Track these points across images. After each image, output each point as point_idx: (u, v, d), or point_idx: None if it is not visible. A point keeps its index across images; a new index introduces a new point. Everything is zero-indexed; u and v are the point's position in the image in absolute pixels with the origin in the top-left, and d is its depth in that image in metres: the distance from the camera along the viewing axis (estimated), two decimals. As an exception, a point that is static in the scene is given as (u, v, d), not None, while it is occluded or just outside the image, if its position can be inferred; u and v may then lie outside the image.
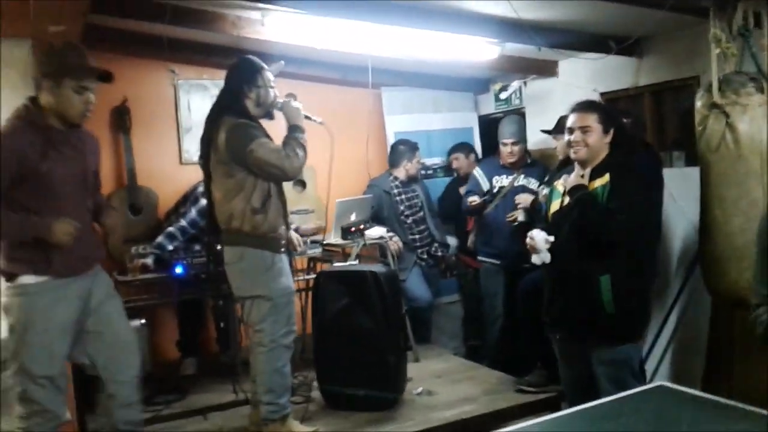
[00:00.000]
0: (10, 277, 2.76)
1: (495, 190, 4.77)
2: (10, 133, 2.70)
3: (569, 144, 3.10)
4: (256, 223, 3.28)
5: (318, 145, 3.56)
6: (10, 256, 2.76)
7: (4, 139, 2.68)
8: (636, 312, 3.01)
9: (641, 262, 3.01)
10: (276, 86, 3.44)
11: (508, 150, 4.72)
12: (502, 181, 4.76)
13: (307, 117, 3.44)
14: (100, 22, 4.12)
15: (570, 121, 3.08)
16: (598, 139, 3.00)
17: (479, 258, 4.93)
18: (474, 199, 4.71)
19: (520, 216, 4.48)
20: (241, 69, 3.41)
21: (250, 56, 3.47)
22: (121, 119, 4.85)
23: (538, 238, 3.01)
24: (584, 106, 3.09)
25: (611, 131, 3.02)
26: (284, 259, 3.44)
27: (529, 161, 4.83)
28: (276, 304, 3.32)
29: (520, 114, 5.40)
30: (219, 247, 3.62)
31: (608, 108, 3.22)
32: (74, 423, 3.48)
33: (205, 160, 3.40)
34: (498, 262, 4.76)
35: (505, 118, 4.92)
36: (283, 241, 3.43)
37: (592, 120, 3.01)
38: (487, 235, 4.84)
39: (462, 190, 5.09)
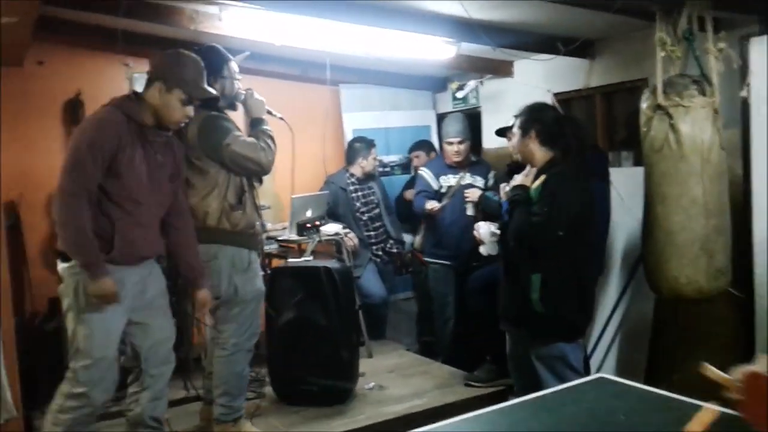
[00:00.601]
0: (66, 257, 2.73)
1: (443, 190, 4.77)
2: (106, 119, 2.74)
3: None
4: (234, 219, 3.21)
5: (276, 140, 3.54)
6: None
7: (100, 122, 2.73)
8: (566, 312, 3.04)
9: (575, 261, 3.03)
10: (240, 78, 3.38)
11: (453, 149, 4.72)
12: (449, 180, 4.78)
13: (268, 112, 3.39)
14: (54, 13, 4.06)
15: None
16: (518, 142, 3.16)
17: (427, 259, 4.91)
18: (434, 206, 4.65)
19: (469, 210, 4.54)
20: (207, 58, 3.23)
21: (216, 45, 3.37)
22: (74, 112, 4.77)
23: (483, 230, 3.10)
24: (517, 113, 3.22)
25: (530, 133, 3.12)
26: (256, 259, 3.38)
27: (474, 159, 4.86)
28: (245, 307, 3.27)
29: (475, 113, 5.48)
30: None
31: (533, 110, 3.22)
32: (20, 421, 3.43)
33: None
34: (448, 263, 4.77)
35: (448, 117, 4.93)
36: (259, 238, 3.37)
37: (514, 126, 3.19)
38: (436, 235, 4.83)
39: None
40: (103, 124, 2.71)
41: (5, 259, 3.46)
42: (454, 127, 4.76)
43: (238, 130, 3.26)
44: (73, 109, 4.78)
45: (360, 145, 5.11)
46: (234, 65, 3.34)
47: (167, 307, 3.08)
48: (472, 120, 5.54)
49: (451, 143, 4.74)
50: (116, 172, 2.69)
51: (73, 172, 2.63)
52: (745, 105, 3.39)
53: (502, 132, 4.12)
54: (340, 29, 4.02)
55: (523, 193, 3.09)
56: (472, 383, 4.05)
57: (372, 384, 4.08)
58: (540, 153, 3.12)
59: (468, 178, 4.73)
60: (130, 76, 5.05)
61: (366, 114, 5.77)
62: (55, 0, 3.58)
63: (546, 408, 2.07)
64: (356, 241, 4.81)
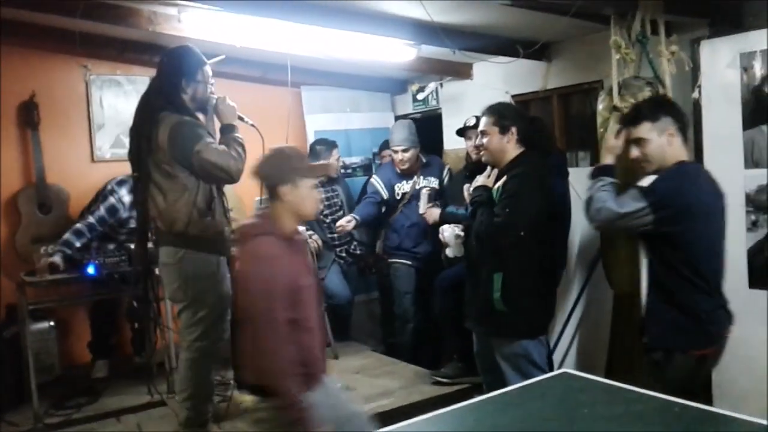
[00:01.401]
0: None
1: (398, 197, 4.78)
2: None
3: (476, 148, 3.26)
4: (203, 226, 3.14)
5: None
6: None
7: None
8: (528, 310, 3.11)
9: (536, 260, 3.11)
10: (213, 82, 3.30)
11: (399, 157, 4.73)
12: (404, 187, 4.79)
13: (240, 118, 3.28)
14: (8, 15, 3.97)
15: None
16: (497, 141, 3.18)
17: (390, 260, 4.93)
18: (343, 226, 4.62)
19: (421, 209, 4.51)
20: (182, 61, 3.19)
21: (191, 47, 3.27)
22: (29, 114, 4.69)
23: (448, 233, 3.14)
24: (484, 111, 3.27)
25: (510, 132, 3.17)
26: (225, 262, 3.29)
27: (425, 161, 4.86)
28: (212, 312, 3.20)
29: (435, 115, 5.53)
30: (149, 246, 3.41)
31: (509, 109, 3.31)
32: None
33: (135, 155, 3.20)
34: (410, 262, 4.80)
35: (394, 124, 4.90)
36: (227, 243, 3.26)
37: (489, 124, 3.20)
38: (396, 240, 4.85)
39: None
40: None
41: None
42: (398, 135, 4.74)
43: (210, 136, 3.17)
44: (28, 110, 4.70)
45: (321, 147, 5.11)
46: (208, 69, 3.26)
47: None
48: (432, 122, 5.62)
49: (396, 151, 4.74)
50: None
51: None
52: (696, 106, 3.48)
53: (462, 132, 4.19)
54: (301, 31, 4.03)
55: (485, 193, 3.15)
56: (439, 379, 4.09)
57: (339, 385, 4.07)
58: (513, 152, 3.18)
59: (421, 182, 4.75)
60: (88, 78, 4.99)
61: (327, 116, 5.78)
62: (11, 1, 3.49)
63: (512, 404, 2.11)
64: (320, 242, 4.81)
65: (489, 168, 3.25)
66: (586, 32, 3.99)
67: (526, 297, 3.08)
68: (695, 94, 3.44)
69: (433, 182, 4.73)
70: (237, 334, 2.49)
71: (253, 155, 3.28)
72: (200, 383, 3.28)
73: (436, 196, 4.57)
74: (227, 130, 3.19)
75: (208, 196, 3.17)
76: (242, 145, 3.16)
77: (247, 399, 2.40)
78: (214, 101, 3.25)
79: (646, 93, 3.14)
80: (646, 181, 2.64)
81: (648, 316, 2.67)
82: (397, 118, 6.06)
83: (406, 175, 4.79)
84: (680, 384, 2.43)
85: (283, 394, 2.29)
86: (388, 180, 4.85)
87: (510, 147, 3.19)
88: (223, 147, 3.10)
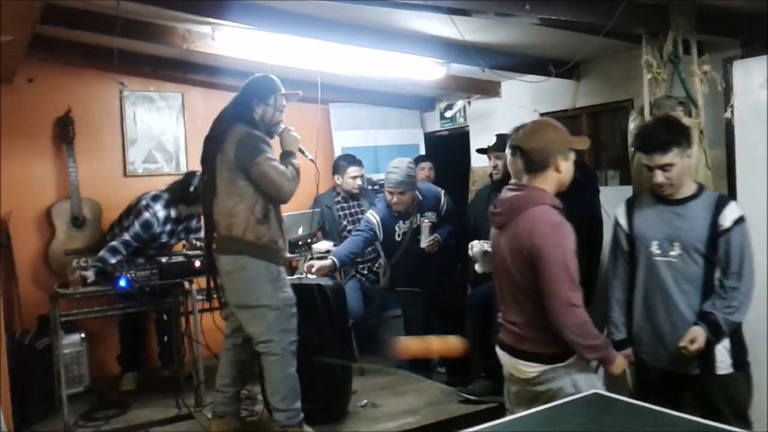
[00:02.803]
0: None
1: (399, 239, 4.58)
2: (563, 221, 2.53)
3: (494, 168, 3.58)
4: (258, 233, 3.31)
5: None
6: None
7: (564, 225, 2.47)
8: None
9: None
10: (284, 112, 3.51)
11: (394, 200, 4.44)
12: (403, 228, 4.57)
13: (300, 150, 3.50)
14: (46, 32, 4.07)
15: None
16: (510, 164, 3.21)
17: (397, 288, 4.80)
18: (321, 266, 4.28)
19: (422, 243, 4.42)
20: (258, 84, 3.46)
21: (271, 76, 3.51)
22: (64, 129, 4.79)
23: (476, 248, 3.14)
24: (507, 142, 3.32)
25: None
26: (284, 271, 3.48)
27: (420, 198, 4.55)
28: (283, 313, 3.36)
29: (463, 132, 5.53)
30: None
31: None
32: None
33: (206, 161, 3.43)
34: (417, 289, 4.66)
35: (391, 164, 4.49)
36: (281, 254, 3.46)
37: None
38: (402, 273, 4.71)
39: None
40: (567, 227, 2.49)
41: (-2, 277, 3.46)
42: (395, 176, 4.39)
43: (273, 154, 3.36)
44: (63, 126, 4.80)
45: (341, 163, 5.14)
46: (282, 99, 3.47)
47: None
48: (460, 139, 5.63)
49: (391, 192, 4.44)
50: None
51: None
52: (729, 126, 3.46)
53: (484, 151, 4.19)
54: (332, 49, 4.08)
55: None
56: (466, 396, 4.06)
57: (365, 401, 4.08)
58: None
59: (418, 220, 4.54)
60: (122, 95, 5.09)
61: (355, 132, 5.83)
62: (52, 19, 3.59)
63: (541, 424, 2.09)
64: (346, 258, 4.80)
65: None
66: (615, 51, 3.99)
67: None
68: (728, 114, 3.42)
69: (431, 216, 4.55)
70: None
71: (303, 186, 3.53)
72: (290, 381, 3.40)
73: (435, 229, 4.47)
74: (287, 155, 3.43)
75: (266, 207, 3.34)
76: (298, 172, 3.39)
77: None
78: (281, 129, 3.47)
79: (678, 113, 3.12)
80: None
81: None
82: (425, 135, 6.10)
83: (404, 215, 4.56)
84: None
85: (593, 339, 2.44)
86: (387, 220, 4.56)
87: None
88: (282, 167, 3.31)
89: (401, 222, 4.56)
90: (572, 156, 2.53)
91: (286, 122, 3.52)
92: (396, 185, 4.39)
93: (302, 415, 3.45)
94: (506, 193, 2.58)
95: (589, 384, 2.49)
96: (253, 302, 3.34)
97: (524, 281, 2.48)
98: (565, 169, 2.51)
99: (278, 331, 3.36)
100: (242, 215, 3.31)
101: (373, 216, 4.56)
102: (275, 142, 3.50)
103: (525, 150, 2.50)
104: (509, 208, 2.52)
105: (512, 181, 2.69)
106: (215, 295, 3.52)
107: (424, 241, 4.42)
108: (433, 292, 4.62)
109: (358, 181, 5.13)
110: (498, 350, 2.70)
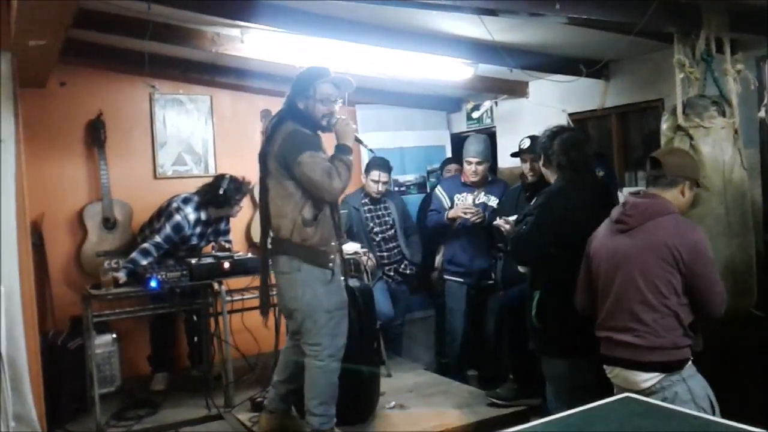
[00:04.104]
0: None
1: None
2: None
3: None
4: (305, 235, 3.24)
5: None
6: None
7: None
8: (561, 329, 3.06)
9: (567, 279, 3.00)
10: (335, 101, 3.37)
11: (472, 169, 4.74)
12: (464, 199, 4.81)
13: (357, 140, 3.41)
14: (78, 36, 4.13)
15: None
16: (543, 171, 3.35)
17: (445, 276, 4.95)
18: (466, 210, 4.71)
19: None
20: (298, 77, 3.36)
21: (315, 66, 3.39)
22: (96, 132, 4.85)
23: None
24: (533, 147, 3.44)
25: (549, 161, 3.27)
26: (339, 273, 3.43)
27: (490, 179, 4.87)
28: (333, 317, 3.32)
29: (490, 133, 5.52)
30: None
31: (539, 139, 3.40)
32: (44, 436, 3.46)
33: (262, 161, 3.36)
34: (461, 280, 4.81)
35: (471, 137, 4.93)
36: (332, 256, 3.35)
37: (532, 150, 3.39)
38: (450, 252, 4.87)
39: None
40: None
41: (31, 278, 3.50)
42: (475, 148, 4.77)
43: (322, 150, 3.29)
44: (95, 129, 4.86)
45: (368, 165, 5.17)
46: (325, 87, 3.33)
47: None
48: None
49: (470, 162, 4.76)
50: None
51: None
52: (763, 125, 3.41)
53: (518, 154, 4.20)
54: (360, 51, 4.09)
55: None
56: (495, 401, 4.04)
57: (393, 403, 4.07)
58: (551, 175, 3.26)
59: (482, 197, 4.76)
60: (153, 98, 5.14)
61: (381, 134, 5.82)
62: (84, 24, 3.63)
63: (572, 428, 2.07)
64: (375, 260, 4.83)
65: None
66: (646, 50, 3.94)
67: (558, 316, 3.06)
68: (761, 113, 3.36)
69: (493, 200, 4.72)
70: None
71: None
72: (330, 389, 3.37)
73: (491, 217, 4.52)
74: (338, 150, 3.30)
75: (316, 208, 3.26)
76: (348, 168, 3.26)
77: None
78: (335, 121, 3.36)
79: (712, 112, 3.08)
80: None
81: None
82: (452, 136, 6.08)
83: (470, 187, 4.81)
84: None
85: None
86: (450, 191, 4.88)
87: (548, 173, 3.30)
88: (327, 164, 3.20)
89: (465, 194, 4.80)
90: (694, 192, 2.74)
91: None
92: (476, 154, 4.71)
93: (335, 419, 3.43)
94: (633, 199, 2.71)
95: (702, 387, 2.57)
96: (305, 305, 3.29)
97: (660, 284, 2.55)
98: (687, 197, 2.70)
99: (327, 335, 3.31)
100: (290, 216, 3.23)
101: (439, 192, 4.93)
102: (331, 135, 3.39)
103: (662, 163, 2.67)
104: (641, 213, 2.64)
105: (639, 189, 2.94)
106: (266, 295, 3.49)
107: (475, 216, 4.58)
108: (479, 282, 4.69)
109: (380, 186, 5.10)
110: (606, 366, 2.73)
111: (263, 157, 3.34)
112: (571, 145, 3.22)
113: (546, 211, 3.09)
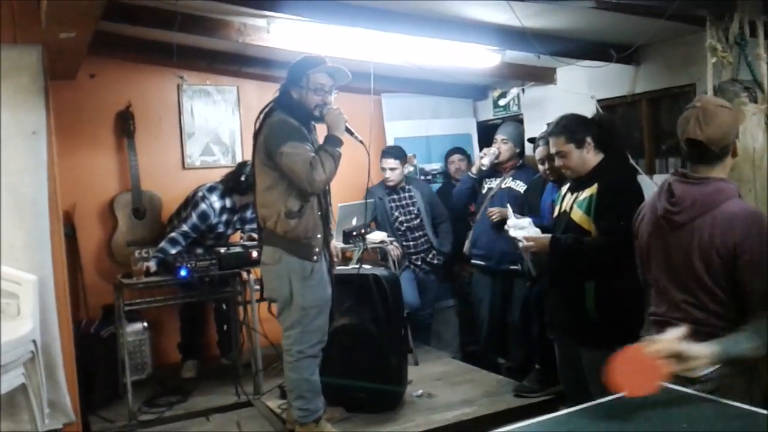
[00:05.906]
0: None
1: (484, 191, 4.83)
2: None
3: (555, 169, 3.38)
4: (287, 226, 3.20)
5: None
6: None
7: None
8: (620, 319, 2.97)
9: (624, 269, 2.88)
10: (329, 91, 3.33)
11: (496, 145, 4.78)
12: (492, 183, 4.82)
13: (348, 131, 3.33)
14: (107, 28, 4.17)
15: (550, 149, 3.26)
16: (576, 157, 3.11)
17: (472, 262, 4.94)
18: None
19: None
20: (292, 67, 3.33)
21: (310, 56, 3.37)
22: (125, 123, 4.91)
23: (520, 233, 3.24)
24: (551, 133, 3.21)
25: (586, 142, 3.10)
26: (323, 268, 3.35)
27: (519, 164, 4.84)
28: (307, 314, 3.27)
29: (518, 120, 5.47)
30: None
31: (575, 121, 3.19)
32: (78, 425, 3.52)
33: (253, 150, 3.35)
34: (484, 263, 4.78)
35: (506, 122, 4.98)
36: (317, 249, 3.28)
37: (563, 143, 3.13)
38: (475, 236, 4.86)
39: None
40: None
41: (65, 267, 3.56)
42: (504, 128, 4.87)
43: (311, 142, 3.25)
44: (124, 120, 4.91)
45: (381, 154, 5.13)
46: (319, 77, 3.28)
47: None
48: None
49: (495, 140, 4.82)
50: None
51: None
52: (796, 111, 3.33)
53: (533, 140, 4.15)
54: (386, 39, 4.07)
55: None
56: (523, 394, 4.02)
57: (420, 391, 4.09)
58: (594, 160, 3.12)
59: (509, 182, 4.74)
60: (181, 89, 5.18)
61: (407, 122, 5.81)
62: (114, 16, 3.66)
63: (604, 416, 2.06)
64: (401, 250, 4.83)
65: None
66: (677, 34, 3.87)
67: (616, 306, 3.00)
68: (795, 99, 3.28)
69: (520, 186, 4.68)
70: None
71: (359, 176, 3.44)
72: (303, 384, 3.34)
73: (515, 202, 4.49)
74: (327, 140, 3.24)
75: (301, 200, 3.22)
76: (334, 159, 3.19)
77: None
78: (326, 110, 3.29)
79: (743, 98, 3.02)
80: None
81: None
82: (478, 123, 6.04)
83: (499, 171, 4.81)
84: None
85: None
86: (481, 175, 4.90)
87: (590, 157, 3.12)
88: (309, 155, 3.14)
89: (493, 178, 4.82)
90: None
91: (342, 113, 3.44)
92: (503, 133, 4.78)
93: (320, 411, 3.40)
94: (680, 187, 2.24)
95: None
96: (281, 296, 3.28)
97: (712, 283, 2.22)
98: (738, 150, 2.27)
99: (299, 331, 3.27)
100: (274, 207, 3.21)
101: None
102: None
103: (703, 142, 2.17)
104: (693, 205, 2.21)
105: (681, 170, 2.30)
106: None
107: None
108: (500, 267, 4.66)
109: (389, 173, 5.05)
110: None
111: (253, 148, 3.33)
112: (612, 125, 3.17)
113: (632, 205, 2.74)
